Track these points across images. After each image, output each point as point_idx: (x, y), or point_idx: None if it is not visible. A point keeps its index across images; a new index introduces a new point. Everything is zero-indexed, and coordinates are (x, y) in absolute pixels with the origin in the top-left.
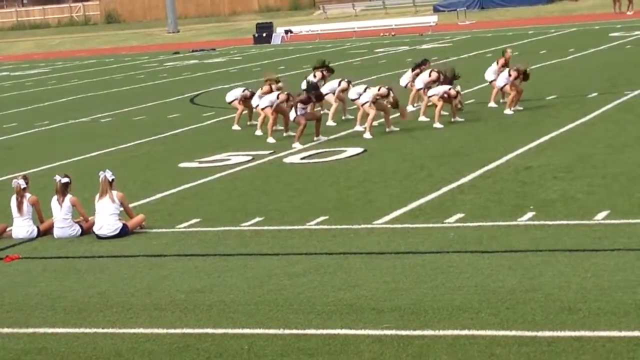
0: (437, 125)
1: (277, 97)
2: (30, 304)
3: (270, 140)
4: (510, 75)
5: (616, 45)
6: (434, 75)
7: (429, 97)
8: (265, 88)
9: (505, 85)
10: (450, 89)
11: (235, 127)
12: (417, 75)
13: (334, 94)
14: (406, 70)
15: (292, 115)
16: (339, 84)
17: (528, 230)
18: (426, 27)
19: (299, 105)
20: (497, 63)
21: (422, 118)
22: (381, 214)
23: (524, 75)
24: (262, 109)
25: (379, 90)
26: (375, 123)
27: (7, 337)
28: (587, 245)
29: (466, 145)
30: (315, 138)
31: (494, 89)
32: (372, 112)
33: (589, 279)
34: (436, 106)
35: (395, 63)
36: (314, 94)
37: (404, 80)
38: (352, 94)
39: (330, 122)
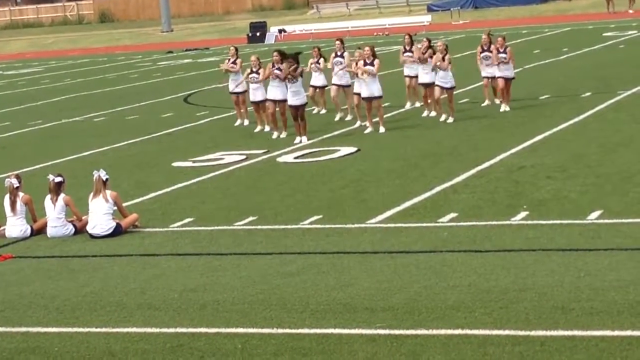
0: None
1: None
2: (23, 303)
3: (275, 135)
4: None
5: (610, 45)
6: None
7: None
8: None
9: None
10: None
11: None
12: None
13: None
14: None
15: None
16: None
17: (521, 230)
18: (420, 26)
19: (288, 83)
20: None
21: (433, 113)
22: (374, 213)
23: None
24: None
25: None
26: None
27: (0, 336)
28: (580, 245)
29: (459, 145)
30: (297, 138)
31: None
32: (354, 99)
33: (582, 279)
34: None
35: (389, 62)
36: (292, 57)
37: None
38: (356, 87)
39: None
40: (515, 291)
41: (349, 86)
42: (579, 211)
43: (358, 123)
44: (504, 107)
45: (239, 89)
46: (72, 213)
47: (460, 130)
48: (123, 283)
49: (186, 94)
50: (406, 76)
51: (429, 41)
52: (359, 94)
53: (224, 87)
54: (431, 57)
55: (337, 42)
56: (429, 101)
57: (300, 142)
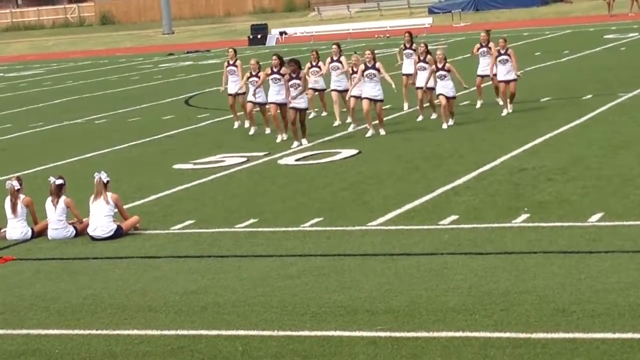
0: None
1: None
2: (24, 305)
3: (279, 137)
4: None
5: (611, 47)
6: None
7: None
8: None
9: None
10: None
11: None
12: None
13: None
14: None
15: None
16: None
17: (522, 232)
18: (421, 28)
19: (292, 88)
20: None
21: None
22: (375, 215)
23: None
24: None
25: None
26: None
27: (1, 339)
28: (581, 247)
29: (460, 147)
30: (295, 142)
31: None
32: (351, 101)
33: (583, 281)
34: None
35: (391, 64)
36: (293, 60)
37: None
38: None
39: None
40: (516, 294)
41: (348, 90)
42: (580, 214)
43: (352, 126)
44: (506, 111)
45: (237, 92)
46: (73, 215)
47: (461, 132)
48: (124, 285)
49: (187, 96)
50: (404, 74)
51: (426, 46)
52: (356, 97)
53: (223, 91)
54: (432, 63)
55: (334, 46)
56: (425, 105)
57: (300, 144)
